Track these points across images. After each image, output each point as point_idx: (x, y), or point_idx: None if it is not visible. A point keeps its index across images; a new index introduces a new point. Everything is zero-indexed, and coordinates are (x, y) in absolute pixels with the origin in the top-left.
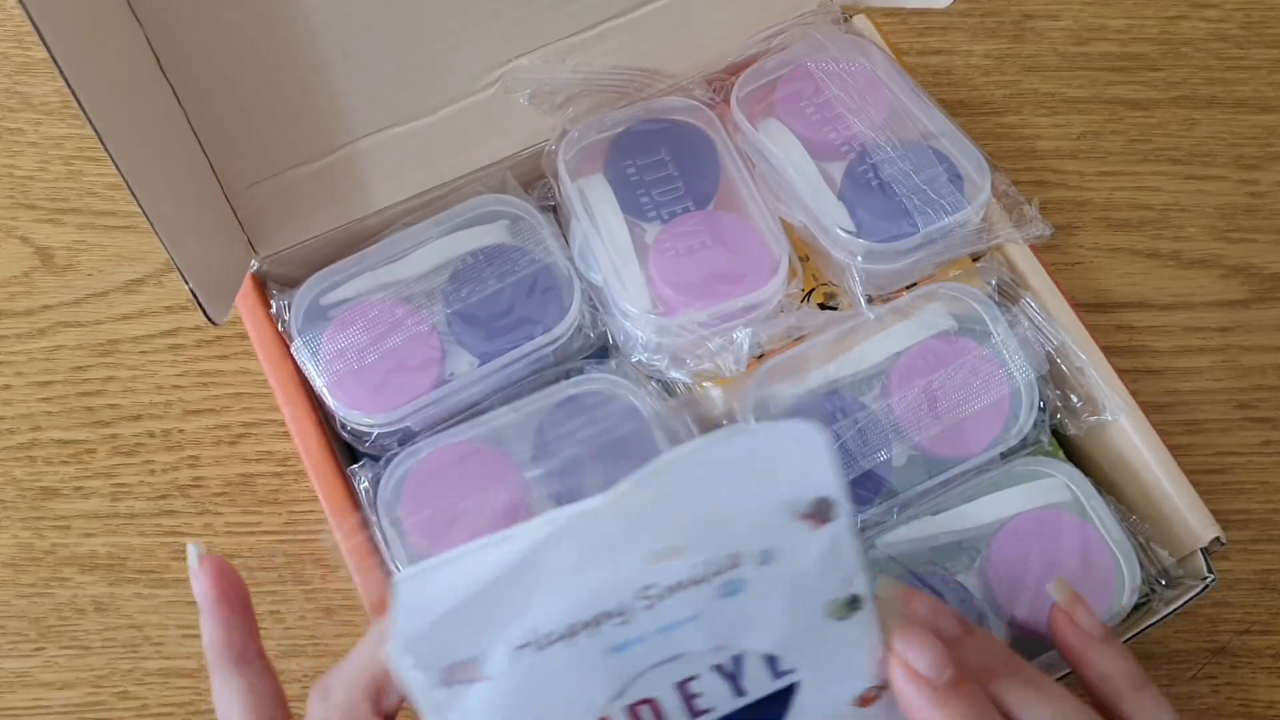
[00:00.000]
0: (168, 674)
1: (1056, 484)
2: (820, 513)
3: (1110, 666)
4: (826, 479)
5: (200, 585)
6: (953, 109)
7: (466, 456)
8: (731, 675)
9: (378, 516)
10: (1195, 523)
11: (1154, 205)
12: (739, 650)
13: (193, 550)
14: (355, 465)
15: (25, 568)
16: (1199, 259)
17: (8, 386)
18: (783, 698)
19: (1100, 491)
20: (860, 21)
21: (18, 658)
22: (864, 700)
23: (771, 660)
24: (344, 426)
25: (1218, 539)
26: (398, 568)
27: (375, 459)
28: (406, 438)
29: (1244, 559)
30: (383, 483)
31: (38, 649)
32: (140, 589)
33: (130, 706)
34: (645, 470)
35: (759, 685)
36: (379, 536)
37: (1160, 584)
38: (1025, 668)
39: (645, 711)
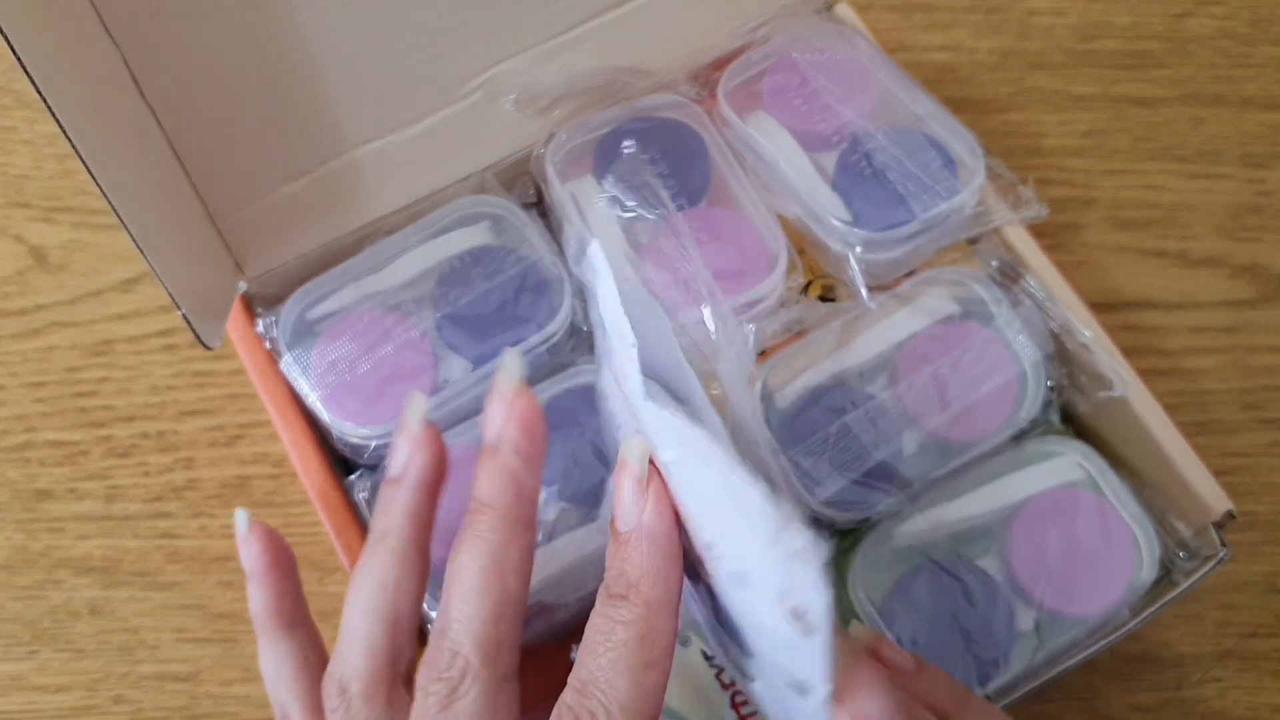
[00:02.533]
0: (162, 678)
1: (1070, 462)
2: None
3: (932, 693)
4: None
5: (251, 551)
6: (957, 106)
7: (469, 462)
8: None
9: None
10: (1207, 497)
11: (1160, 204)
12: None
13: (241, 515)
14: (352, 476)
15: (19, 570)
16: (1206, 258)
17: (1, 387)
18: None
19: (1113, 467)
20: (843, 10)
21: (11, 661)
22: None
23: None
24: (341, 441)
25: (1230, 513)
26: None
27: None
28: None
29: (1251, 561)
30: None
31: (31, 652)
32: (135, 592)
33: (124, 710)
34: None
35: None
36: None
37: (1180, 556)
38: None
39: None
